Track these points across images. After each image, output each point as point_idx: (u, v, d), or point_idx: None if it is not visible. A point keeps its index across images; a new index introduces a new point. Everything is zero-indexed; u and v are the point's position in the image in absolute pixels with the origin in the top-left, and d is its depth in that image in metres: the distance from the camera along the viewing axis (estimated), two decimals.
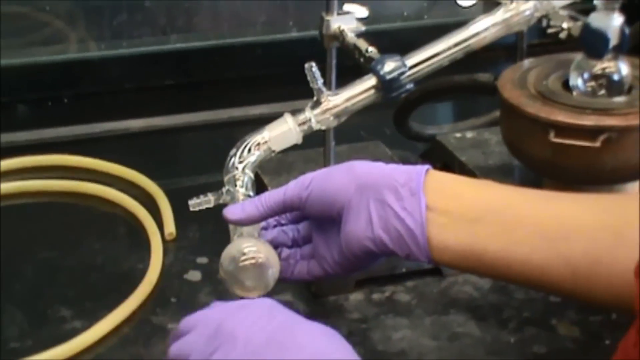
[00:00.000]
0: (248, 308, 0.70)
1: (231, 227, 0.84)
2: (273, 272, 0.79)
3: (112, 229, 1.06)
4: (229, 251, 0.79)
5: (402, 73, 0.93)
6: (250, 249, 0.79)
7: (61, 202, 1.11)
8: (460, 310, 0.92)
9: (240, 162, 0.88)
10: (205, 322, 0.70)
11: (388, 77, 0.92)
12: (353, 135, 1.18)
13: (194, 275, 0.98)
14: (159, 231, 1.03)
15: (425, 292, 0.95)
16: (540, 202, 0.75)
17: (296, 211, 0.83)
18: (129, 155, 1.20)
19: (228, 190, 0.87)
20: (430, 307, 0.93)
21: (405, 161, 1.13)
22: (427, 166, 0.79)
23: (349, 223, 0.78)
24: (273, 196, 0.81)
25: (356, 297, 0.94)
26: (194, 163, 1.22)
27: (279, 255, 0.83)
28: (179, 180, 1.15)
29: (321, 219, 0.81)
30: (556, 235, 0.72)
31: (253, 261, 0.78)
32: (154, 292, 0.95)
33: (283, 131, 0.91)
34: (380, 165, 0.80)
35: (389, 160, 1.09)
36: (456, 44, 0.97)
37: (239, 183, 0.87)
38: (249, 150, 0.89)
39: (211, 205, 0.87)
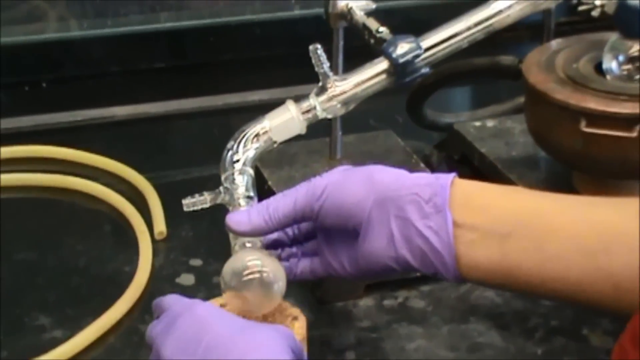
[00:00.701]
0: (177, 329, 0.71)
1: (231, 234, 0.83)
2: (279, 286, 0.79)
3: (96, 228, 1.06)
4: (231, 265, 0.79)
5: (417, 56, 0.92)
6: (254, 262, 0.78)
7: (40, 197, 1.11)
8: (481, 318, 0.92)
9: (238, 160, 0.87)
10: (154, 343, 0.72)
11: (401, 60, 0.92)
12: (361, 124, 1.18)
13: (187, 279, 0.97)
14: (148, 230, 1.03)
15: (442, 297, 0.94)
16: (576, 210, 0.75)
17: (307, 222, 0.82)
18: (114, 145, 1.19)
19: (226, 189, 0.86)
20: (447, 314, 0.92)
21: (419, 152, 1.13)
22: (451, 176, 0.78)
23: (368, 240, 0.78)
24: (282, 207, 0.80)
25: (366, 303, 0.94)
26: (186, 154, 1.22)
27: (280, 256, 0.83)
28: (170, 174, 1.15)
29: (332, 229, 0.81)
30: (595, 247, 0.71)
31: (257, 276, 0.78)
32: (143, 297, 0.94)
33: (285, 120, 0.90)
34: (401, 175, 0.79)
35: (401, 151, 1.09)
36: (477, 24, 0.96)
37: (238, 182, 0.86)
38: (248, 142, 0.88)
39: (207, 205, 0.87)
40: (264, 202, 0.81)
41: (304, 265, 0.84)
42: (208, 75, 1.34)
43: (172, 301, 0.75)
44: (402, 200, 0.77)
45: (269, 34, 1.37)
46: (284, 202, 0.80)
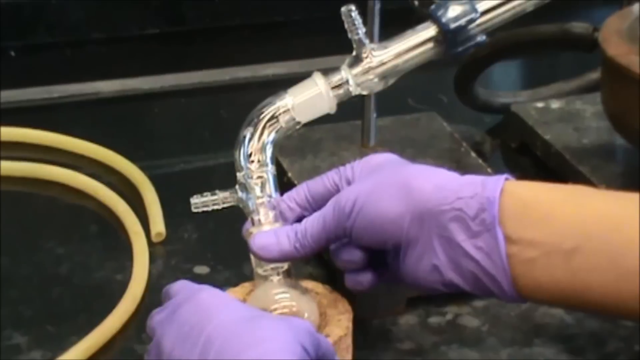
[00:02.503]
0: (179, 318, 0.74)
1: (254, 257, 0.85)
2: (310, 322, 0.80)
3: (80, 228, 1.06)
4: (258, 299, 0.84)
5: (472, 20, 0.92)
6: (282, 296, 0.83)
7: (11, 191, 1.10)
8: (548, 341, 0.92)
9: (258, 160, 0.87)
10: (155, 333, 0.76)
11: (452, 25, 0.91)
12: (399, 103, 1.18)
13: None
14: (144, 231, 1.03)
15: (500, 315, 0.94)
16: None
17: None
18: (100, 128, 1.19)
19: (244, 188, 0.86)
20: (507, 335, 0.92)
21: (468, 139, 1.13)
22: (500, 182, 0.78)
23: (410, 263, 0.81)
24: (310, 231, 0.83)
25: (408, 320, 0.94)
26: (186, 140, 1.22)
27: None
28: (167, 163, 1.15)
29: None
30: None
31: (286, 310, 0.83)
32: (138, 311, 0.94)
33: (312, 96, 0.90)
34: (441, 182, 0.80)
35: (447, 137, 1.09)
36: None
37: (257, 183, 0.86)
38: (265, 126, 0.88)
39: (220, 207, 0.87)
40: (295, 225, 0.84)
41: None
42: (212, 44, 1.35)
43: (180, 287, 0.78)
44: (444, 217, 0.78)
45: None
46: (311, 225, 0.83)
